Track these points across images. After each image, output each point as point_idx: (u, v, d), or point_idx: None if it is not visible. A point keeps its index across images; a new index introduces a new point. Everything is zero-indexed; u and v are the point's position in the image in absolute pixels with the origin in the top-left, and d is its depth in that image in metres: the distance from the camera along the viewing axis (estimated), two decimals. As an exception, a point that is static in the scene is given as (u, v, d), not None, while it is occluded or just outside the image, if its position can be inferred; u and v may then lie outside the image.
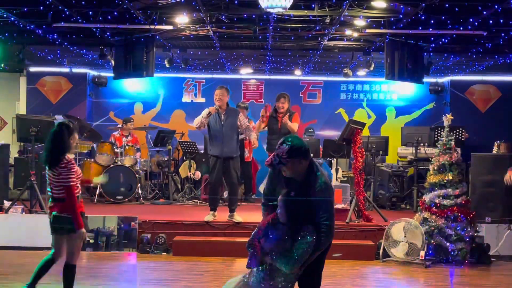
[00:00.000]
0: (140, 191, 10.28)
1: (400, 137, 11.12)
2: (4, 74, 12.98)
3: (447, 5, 7.60)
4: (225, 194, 9.38)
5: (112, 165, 10.22)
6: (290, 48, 10.58)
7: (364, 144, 9.25)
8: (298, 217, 3.79)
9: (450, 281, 6.76)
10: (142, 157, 11.20)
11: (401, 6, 7.60)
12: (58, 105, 12.96)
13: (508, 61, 10.72)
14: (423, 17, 7.94)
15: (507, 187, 8.10)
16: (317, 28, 8.75)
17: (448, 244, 7.31)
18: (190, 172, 10.67)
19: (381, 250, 7.48)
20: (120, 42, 9.14)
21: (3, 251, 7.56)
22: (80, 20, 8.45)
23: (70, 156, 4.81)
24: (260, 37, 9.60)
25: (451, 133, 7.99)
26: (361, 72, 12.50)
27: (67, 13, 8.11)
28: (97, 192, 10.13)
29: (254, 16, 8.28)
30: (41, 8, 7.91)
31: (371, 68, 10.64)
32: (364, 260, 7.51)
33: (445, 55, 10.65)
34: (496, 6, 7.36)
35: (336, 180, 9.94)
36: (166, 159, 11.21)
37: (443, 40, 9.21)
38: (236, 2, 7.84)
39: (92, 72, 13.41)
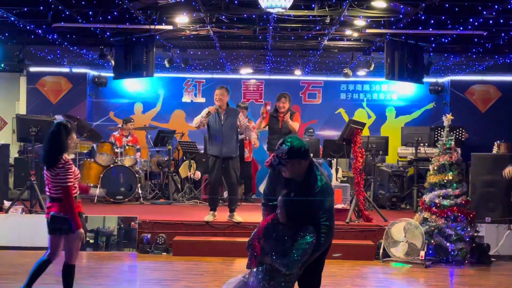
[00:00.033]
0: (140, 191, 10.28)
1: (400, 137, 11.12)
2: (4, 74, 12.98)
3: (447, 5, 7.60)
4: (225, 194, 9.38)
5: (112, 165, 10.23)
6: (290, 48, 10.58)
7: (364, 144, 9.25)
8: (298, 217, 3.79)
9: (450, 281, 6.76)
10: (142, 157, 11.20)
11: (401, 6, 7.60)
12: (58, 105, 12.96)
13: (508, 61, 10.72)
14: (423, 17, 7.94)
15: (507, 187, 8.13)
16: (317, 28, 8.75)
17: (448, 244, 7.31)
18: (190, 172, 10.67)
19: (381, 250, 7.48)
20: (120, 42, 9.13)
21: (3, 251, 7.57)
22: (80, 20, 8.45)
23: (70, 156, 4.82)
24: (260, 37, 9.60)
25: (451, 133, 7.99)
26: (361, 72, 12.51)
27: (67, 13, 8.11)
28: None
29: (254, 16, 8.28)
30: (41, 8, 7.91)
31: (371, 68, 10.64)
32: (364, 260, 7.51)
33: (445, 55, 10.65)
34: (496, 6, 7.36)
35: (336, 180, 9.94)
36: (166, 159, 11.21)
37: (443, 40, 9.21)
38: (236, 2, 7.84)
39: (92, 72, 13.42)
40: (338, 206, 8.28)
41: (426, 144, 10.36)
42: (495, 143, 9.35)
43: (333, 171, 10.11)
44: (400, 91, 13.55)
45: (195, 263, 7.21)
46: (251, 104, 12.82)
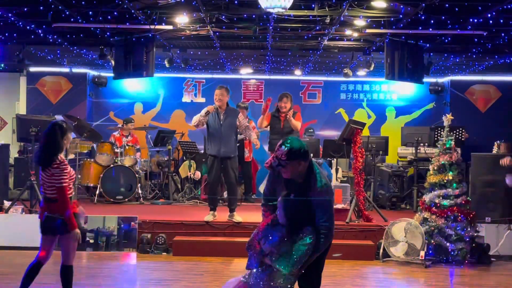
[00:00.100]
0: (140, 191, 10.28)
1: (400, 137, 11.11)
2: (4, 74, 12.98)
3: (447, 5, 7.60)
4: (225, 194, 9.38)
5: (112, 165, 10.23)
6: (290, 48, 10.57)
7: (364, 144, 9.25)
8: (297, 218, 3.79)
9: (450, 281, 6.76)
10: (142, 157, 11.21)
11: (401, 6, 7.59)
12: (58, 105, 12.96)
13: (508, 61, 10.72)
14: (423, 17, 7.93)
15: (506, 187, 8.12)
16: (317, 28, 8.75)
17: (448, 244, 7.31)
18: (190, 172, 10.67)
19: (381, 250, 7.48)
20: (120, 42, 9.13)
21: (3, 251, 7.57)
22: (80, 20, 8.45)
23: (70, 156, 4.81)
24: (260, 37, 9.61)
25: (451, 133, 7.99)
26: (361, 72, 12.50)
27: (67, 13, 8.11)
28: (97, 192, 10.14)
29: (254, 16, 8.28)
30: (41, 8, 7.91)
31: (371, 68, 10.63)
32: (364, 260, 7.51)
33: (445, 55, 10.65)
34: (496, 6, 7.36)
35: (336, 180, 9.94)
36: (166, 159, 11.21)
37: (443, 40, 9.21)
38: (236, 2, 7.84)
39: (92, 72, 13.41)
40: (338, 206, 8.28)
41: (426, 144, 10.36)
42: (495, 143, 9.35)
43: (333, 171, 10.11)
44: (400, 91, 13.55)
45: (195, 263, 7.21)
46: (251, 104, 12.83)
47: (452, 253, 7.30)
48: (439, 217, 7.40)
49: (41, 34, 9.25)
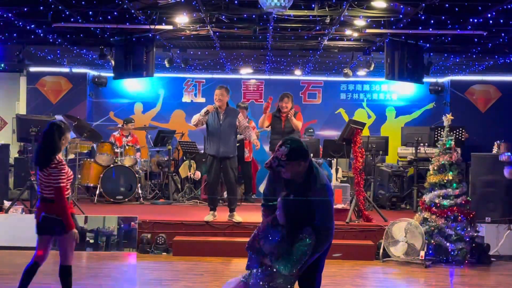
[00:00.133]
0: (140, 191, 10.28)
1: (400, 137, 11.12)
2: (4, 74, 12.98)
3: (447, 5, 7.60)
4: (225, 194, 9.38)
5: (112, 165, 10.23)
6: (290, 48, 10.57)
7: (364, 144, 9.25)
8: (297, 218, 3.78)
9: (450, 281, 6.76)
10: (142, 157, 11.20)
11: (401, 6, 7.59)
12: (58, 105, 12.96)
13: (508, 61, 10.71)
14: (423, 17, 7.93)
15: (507, 187, 8.13)
16: (317, 28, 8.75)
17: (448, 244, 7.31)
18: (190, 172, 10.67)
19: (381, 250, 7.48)
20: (120, 42, 9.13)
21: (3, 251, 7.57)
22: (80, 20, 8.45)
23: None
24: (260, 37, 9.60)
25: (451, 133, 7.99)
26: (361, 72, 12.50)
27: (67, 13, 8.11)
28: (97, 192, 10.14)
29: (254, 16, 8.27)
30: (41, 8, 7.91)
31: (371, 68, 10.63)
32: (364, 260, 7.51)
33: (445, 55, 10.65)
34: (496, 6, 7.36)
35: (336, 180, 9.94)
36: (166, 159, 11.21)
37: (443, 40, 9.21)
38: (236, 2, 7.84)
39: (92, 72, 13.41)
40: (338, 206, 8.28)
41: (426, 144, 10.36)
42: (495, 143, 9.35)
43: (333, 171, 10.11)
44: (400, 91, 13.55)
45: (195, 263, 7.21)
46: (251, 104, 12.83)
47: (452, 253, 7.30)
48: (439, 217, 7.40)
49: (41, 34, 9.25)
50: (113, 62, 9.53)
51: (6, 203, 8.55)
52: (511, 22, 8.09)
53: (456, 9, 7.66)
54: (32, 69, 12.96)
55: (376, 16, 8.21)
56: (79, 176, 10.61)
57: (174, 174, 11.03)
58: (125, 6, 7.73)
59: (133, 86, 13.46)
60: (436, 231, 7.40)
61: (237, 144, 8.82)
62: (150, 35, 8.87)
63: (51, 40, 9.62)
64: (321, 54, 10.77)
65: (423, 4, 7.38)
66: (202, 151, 11.17)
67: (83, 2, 7.66)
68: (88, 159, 10.62)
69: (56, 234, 4.65)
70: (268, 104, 8.92)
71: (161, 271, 6.82)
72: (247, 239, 3.92)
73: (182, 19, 8.47)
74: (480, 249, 7.56)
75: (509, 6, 7.30)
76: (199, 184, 10.72)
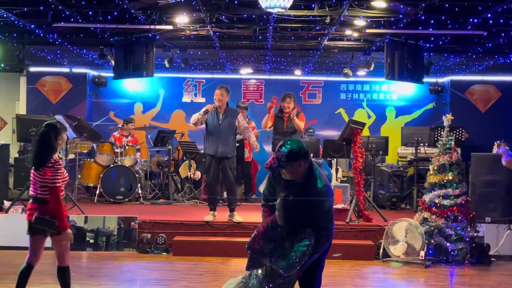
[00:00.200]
0: (140, 191, 10.28)
1: (400, 137, 11.12)
2: (4, 74, 12.97)
3: (447, 5, 7.60)
4: (225, 194, 9.38)
5: (112, 165, 10.23)
6: (290, 48, 10.57)
7: (364, 144, 9.25)
8: (297, 219, 3.78)
9: (450, 281, 6.76)
10: (142, 157, 11.21)
11: (401, 6, 7.59)
12: (58, 105, 12.96)
13: (508, 61, 10.71)
14: (423, 17, 7.93)
15: (507, 187, 8.13)
16: (317, 28, 8.75)
17: (448, 244, 7.31)
18: (190, 172, 10.67)
19: (381, 250, 7.48)
20: (120, 42, 9.14)
21: (3, 251, 7.57)
22: (80, 20, 8.45)
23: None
24: (260, 37, 9.60)
25: (451, 133, 7.99)
26: (361, 72, 12.50)
27: (67, 13, 8.11)
28: (97, 192, 10.14)
29: (254, 16, 8.28)
30: (41, 8, 7.91)
31: (371, 68, 10.63)
32: (364, 260, 7.51)
33: (445, 55, 10.65)
34: (496, 6, 7.36)
35: (336, 180, 9.94)
36: (166, 159, 11.21)
37: (443, 40, 9.21)
38: (236, 2, 7.84)
39: (92, 72, 13.41)
40: (338, 206, 8.28)
41: (426, 144, 10.36)
42: (495, 143, 9.32)
43: (333, 171, 10.11)
44: (400, 91, 13.55)
45: (195, 263, 7.22)
46: (251, 104, 12.83)
47: (452, 253, 7.30)
48: (439, 217, 7.40)
49: (41, 34, 9.25)
50: (113, 62, 9.53)
51: (6, 203, 8.55)
52: (511, 22, 8.09)
53: (456, 9, 7.66)
54: (32, 69, 12.96)
55: (376, 16, 8.21)
56: (79, 176, 10.62)
57: (174, 174, 11.03)
58: (125, 6, 7.73)
59: (133, 86, 13.45)
60: (436, 231, 7.40)
61: (237, 144, 8.83)
62: (150, 35, 8.87)
63: (51, 40, 9.62)
64: (321, 54, 10.77)
65: (423, 4, 7.38)
66: (202, 151, 11.16)
67: (83, 2, 7.67)
68: (88, 159, 10.62)
69: (49, 235, 4.63)
70: (272, 104, 8.91)
71: (161, 271, 6.82)
72: (247, 239, 3.91)
73: (182, 19, 8.47)
74: (480, 249, 7.56)
75: (509, 6, 7.30)
76: (199, 184, 10.72)
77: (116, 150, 10.42)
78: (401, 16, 8.04)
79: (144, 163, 11.14)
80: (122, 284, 6.29)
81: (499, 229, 7.88)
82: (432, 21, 8.15)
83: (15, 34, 9.54)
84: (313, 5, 7.80)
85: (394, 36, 8.91)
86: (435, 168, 7.64)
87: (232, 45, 10.42)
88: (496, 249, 7.79)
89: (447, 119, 7.80)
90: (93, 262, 7.30)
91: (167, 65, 10.92)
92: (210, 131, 8.01)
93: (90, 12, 8.21)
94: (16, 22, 8.54)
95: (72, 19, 8.44)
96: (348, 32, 8.95)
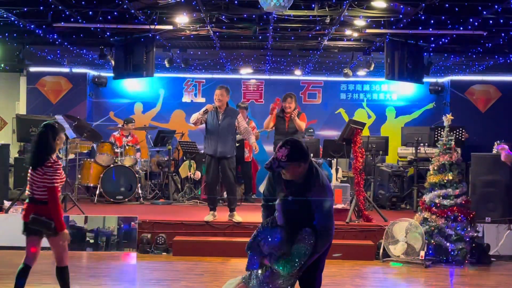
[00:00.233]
0: (140, 191, 10.28)
1: (400, 137, 11.12)
2: (4, 74, 12.97)
3: (447, 5, 7.60)
4: (225, 194, 9.38)
5: (112, 165, 10.23)
6: (290, 48, 10.57)
7: (364, 144, 9.25)
8: (297, 219, 3.78)
9: (450, 281, 6.76)
10: (142, 157, 11.20)
11: (401, 6, 7.59)
12: (58, 105, 12.95)
13: (508, 61, 10.71)
14: (423, 17, 7.93)
15: (507, 187, 8.13)
16: (317, 28, 8.75)
17: (448, 244, 7.31)
18: (190, 172, 10.67)
19: (381, 250, 7.48)
20: (120, 42, 9.13)
21: (3, 251, 7.57)
22: (80, 20, 8.45)
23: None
24: (260, 37, 9.60)
25: (451, 133, 7.99)
26: (361, 72, 12.50)
27: (67, 13, 8.11)
28: (97, 192, 10.14)
29: (254, 16, 8.28)
30: (41, 8, 7.91)
31: (371, 68, 10.63)
32: (364, 260, 7.51)
33: (445, 55, 10.65)
34: (496, 6, 7.35)
35: (336, 180, 9.94)
36: (166, 159, 11.21)
37: (443, 40, 9.21)
38: (236, 2, 7.84)
39: (92, 72, 13.41)
40: (338, 206, 8.28)
41: (426, 144, 10.36)
42: (495, 143, 9.34)
43: (333, 171, 10.11)
44: (400, 91, 13.55)
45: (195, 263, 7.21)
46: (251, 104, 12.83)
47: (452, 253, 7.30)
48: (439, 217, 7.40)
49: (41, 34, 9.25)
50: (113, 62, 9.53)
51: (6, 203, 8.55)
52: (511, 22, 8.08)
53: (456, 9, 7.66)
54: (32, 69, 12.95)
55: (376, 16, 8.21)
56: (79, 176, 10.62)
57: (174, 174, 11.03)
58: (125, 6, 7.73)
59: (133, 86, 13.45)
60: (436, 231, 7.40)
61: (237, 144, 8.83)
62: (150, 35, 8.87)
63: (51, 40, 9.62)
64: (321, 54, 10.77)
65: (423, 4, 7.38)
66: (202, 151, 11.16)
67: (83, 2, 7.67)
68: (88, 159, 10.62)
69: (47, 236, 4.62)
70: (275, 105, 8.92)
71: (161, 271, 6.82)
72: (247, 239, 3.92)
73: (182, 19, 8.47)
74: (480, 249, 7.56)
75: (509, 6, 7.30)
76: (199, 184, 10.72)
77: (116, 150, 10.42)
78: (401, 16, 8.04)
79: (144, 163, 11.14)
80: (122, 284, 6.29)
81: (499, 229, 7.88)
82: (432, 21, 8.15)
83: (15, 34, 9.53)
84: (313, 5, 7.80)
85: (394, 36, 8.91)
86: (435, 168, 7.64)
87: (232, 45, 10.42)
88: (496, 249, 7.79)
89: (447, 119, 7.81)
90: (93, 262, 7.30)
91: (167, 65, 10.91)
92: (209, 130, 8.01)
93: (90, 12, 8.20)
94: (16, 22, 8.54)
95: (72, 19, 8.44)
96: (348, 32, 8.95)
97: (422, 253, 7.20)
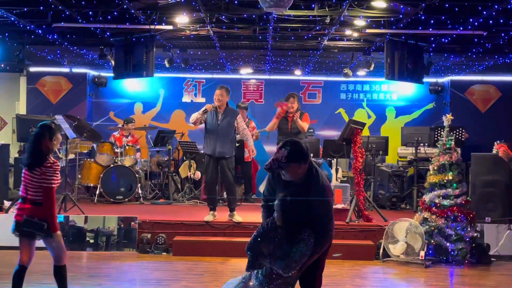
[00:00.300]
0: (140, 191, 10.28)
1: (400, 137, 11.12)
2: (4, 74, 12.97)
3: (447, 5, 7.60)
4: (225, 194, 9.38)
5: (112, 165, 10.23)
6: (290, 48, 10.57)
7: (364, 144, 9.25)
8: (296, 219, 3.78)
9: (450, 281, 6.77)
10: (142, 157, 11.20)
11: (401, 6, 7.59)
12: (58, 105, 12.95)
13: (508, 61, 10.71)
14: (423, 17, 7.93)
15: (506, 187, 8.13)
16: (317, 28, 8.75)
17: (448, 244, 7.31)
18: (190, 172, 10.67)
19: (381, 250, 7.48)
20: (120, 42, 9.13)
21: (3, 251, 7.57)
22: (80, 20, 8.45)
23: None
24: (260, 37, 9.60)
25: (451, 133, 7.99)
26: (361, 72, 12.50)
27: (67, 13, 8.10)
28: (97, 192, 10.14)
29: (254, 16, 8.27)
30: (41, 8, 7.91)
31: (371, 68, 10.63)
32: (364, 260, 7.51)
33: (445, 55, 10.64)
34: (496, 6, 7.35)
35: (336, 180, 9.94)
36: (166, 159, 11.21)
37: (443, 40, 9.21)
38: (236, 2, 7.84)
39: (92, 72, 13.41)
40: (338, 206, 8.28)
41: (426, 144, 10.36)
42: (495, 143, 9.34)
43: (333, 171, 10.11)
44: (400, 91, 13.54)
45: (195, 263, 7.22)
46: (251, 104, 12.83)
47: (452, 253, 7.30)
48: (439, 217, 7.40)
49: (41, 34, 9.25)
50: (113, 62, 9.53)
51: (6, 203, 8.55)
52: (511, 22, 8.08)
53: (456, 9, 7.66)
54: (32, 69, 12.96)
55: (376, 16, 8.21)
56: (79, 176, 10.62)
57: (174, 174, 11.03)
58: (125, 6, 7.72)
59: (133, 86, 13.45)
60: (436, 231, 7.40)
61: (237, 144, 8.83)
62: (150, 35, 8.87)
63: (51, 40, 9.62)
64: (321, 54, 10.77)
65: (423, 4, 7.37)
66: (202, 151, 11.16)
67: (83, 2, 7.66)
68: (88, 159, 10.62)
69: (40, 238, 4.61)
70: (283, 111, 8.84)
71: (161, 271, 6.82)
72: (247, 239, 3.92)
73: (182, 19, 8.47)
74: (480, 249, 7.57)
75: (509, 6, 7.30)
76: (199, 184, 10.72)
77: (116, 150, 10.42)
78: (401, 16, 8.04)
79: (144, 163, 11.14)
80: (122, 284, 6.29)
81: (499, 229, 7.88)
82: (432, 21, 8.14)
83: (15, 34, 9.53)
84: (313, 5, 7.79)
85: (394, 36, 8.91)
86: (435, 168, 7.64)
87: (232, 45, 10.42)
88: (496, 249, 7.79)
89: (447, 119, 7.81)
90: (93, 262, 7.30)
91: (167, 65, 10.91)
92: (208, 130, 8.01)
93: (90, 12, 8.20)
94: (16, 22, 8.54)
95: (72, 19, 8.43)
96: (348, 32, 8.95)
97: (422, 253, 7.20)
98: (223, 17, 8.37)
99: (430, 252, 7.42)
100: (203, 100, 13.40)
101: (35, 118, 9.61)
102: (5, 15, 8.22)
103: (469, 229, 7.37)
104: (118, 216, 8.01)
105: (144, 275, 6.74)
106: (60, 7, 7.78)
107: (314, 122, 13.28)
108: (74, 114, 10.98)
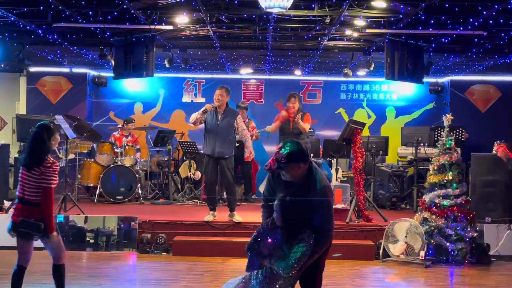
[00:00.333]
0: (140, 191, 10.28)
1: (400, 137, 11.12)
2: (4, 74, 12.97)
3: (447, 5, 7.60)
4: (225, 194, 9.38)
5: (112, 165, 10.23)
6: (290, 48, 10.57)
7: (364, 144, 9.25)
8: (296, 220, 3.78)
9: (450, 281, 6.77)
10: (142, 157, 11.20)
11: (401, 6, 7.59)
12: (58, 105, 12.95)
13: (508, 61, 10.71)
14: (423, 17, 7.93)
15: (506, 187, 8.13)
16: (317, 28, 8.75)
17: (448, 244, 7.31)
18: (190, 172, 10.67)
19: (381, 250, 7.48)
20: (120, 42, 9.14)
21: (3, 251, 7.56)
22: (80, 20, 8.45)
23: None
24: (260, 37, 9.60)
25: (451, 133, 7.99)
26: (361, 72, 12.50)
27: (67, 13, 8.11)
28: (97, 192, 10.14)
29: (254, 16, 8.27)
30: (41, 8, 7.91)
31: (371, 68, 10.63)
32: (364, 260, 7.51)
33: (445, 55, 10.64)
34: (496, 6, 7.36)
35: (336, 180, 9.94)
36: (166, 159, 11.21)
37: (443, 40, 9.21)
38: (236, 2, 7.84)
39: (92, 72, 13.41)
40: (338, 206, 8.28)
41: (426, 144, 10.36)
42: (495, 143, 9.36)
43: (333, 171, 10.11)
44: (400, 91, 13.54)
45: (195, 263, 7.22)
46: (251, 104, 12.83)
47: (452, 253, 7.30)
48: (439, 217, 7.40)
49: (41, 34, 9.25)
50: (113, 62, 9.53)
51: (6, 203, 8.56)
52: (511, 22, 8.08)
53: (456, 9, 7.66)
54: (32, 69, 12.96)
55: (376, 16, 8.21)
56: (79, 176, 10.62)
57: (174, 174, 11.03)
58: (125, 6, 7.72)
59: (133, 86, 13.45)
60: (436, 231, 7.40)
61: (237, 144, 8.82)
62: (150, 35, 8.87)
63: (51, 40, 9.62)
64: (321, 54, 10.77)
65: (423, 4, 7.37)
66: (202, 151, 11.16)
67: (83, 2, 7.66)
68: (88, 159, 10.62)
69: (38, 238, 4.61)
70: (288, 114, 8.82)
71: (161, 271, 6.82)
72: (247, 239, 3.92)
73: (182, 19, 8.47)
74: (480, 249, 7.56)
75: (509, 6, 7.30)
76: (199, 184, 10.72)
77: (116, 150, 10.42)
78: (401, 16, 8.04)
79: (144, 163, 11.14)
80: (122, 284, 6.29)
81: (499, 229, 7.88)
82: (432, 21, 8.15)
83: (15, 34, 9.53)
84: (313, 5, 7.80)
85: (394, 36, 8.91)
86: (435, 168, 7.64)
87: (232, 45, 10.42)
88: (496, 249, 7.79)
89: (447, 119, 7.81)
90: (93, 262, 7.30)
91: (167, 65, 10.91)
92: (208, 130, 8.01)
93: (90, 12, 8.20)
94: (16, 22, 8.54)
95: (72, 19, 8.44)
96: (348, 32, 8.95)
97: (422, 253, 7.20)
98: (223, 17, 8.37)
99: (430, 252, 7.42)
100: (203, 100, 13.40)
101: (35, 118, 9.62)
102: (5, 15, 8.22)
103: (469, 229, 7.37)
104: (118, 216, 8.01)
105: (144, 275, 6.75)
106: (60, 7, 7.78)
107: (314, 122, 13.28)
108: (74, 114, 10.98)
